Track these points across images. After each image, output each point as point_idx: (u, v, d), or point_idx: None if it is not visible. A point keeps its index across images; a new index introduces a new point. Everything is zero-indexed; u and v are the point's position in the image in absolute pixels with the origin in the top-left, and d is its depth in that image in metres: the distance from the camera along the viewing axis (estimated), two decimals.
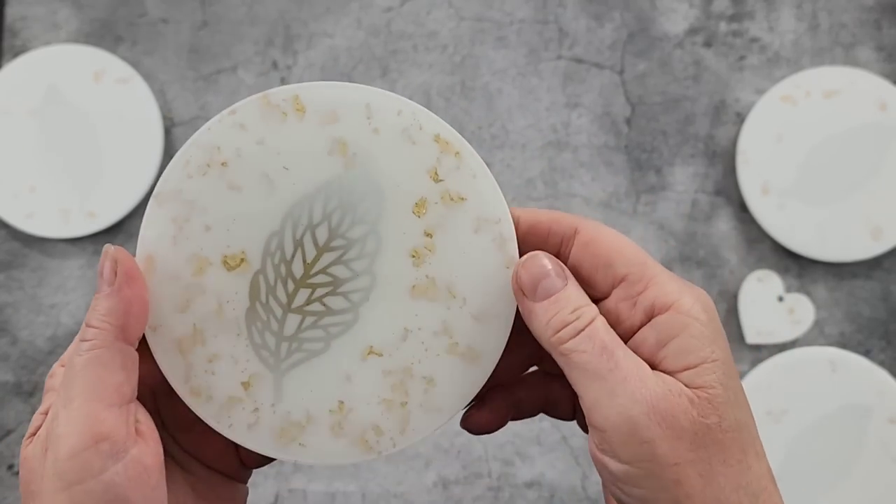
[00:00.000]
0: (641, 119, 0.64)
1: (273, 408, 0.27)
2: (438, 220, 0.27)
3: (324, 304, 0.27)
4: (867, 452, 0.57)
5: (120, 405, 0.24)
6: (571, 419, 0.32)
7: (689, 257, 0.62)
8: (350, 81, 0.64)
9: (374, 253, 0.27)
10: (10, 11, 0.66)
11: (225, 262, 0.27)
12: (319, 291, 0.27)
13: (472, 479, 0.60)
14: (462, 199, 0.27)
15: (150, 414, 0.28)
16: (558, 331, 0.25)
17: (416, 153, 0.27)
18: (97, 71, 0.63)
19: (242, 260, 0.27)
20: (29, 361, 0.63)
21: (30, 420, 0.62)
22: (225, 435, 0.27)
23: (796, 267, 0.62)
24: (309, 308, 0.27)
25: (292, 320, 0.27)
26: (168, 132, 0.64)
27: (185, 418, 0.28)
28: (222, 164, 0.27)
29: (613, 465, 0.24)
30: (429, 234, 0.27)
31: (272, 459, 0.29)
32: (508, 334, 0.28)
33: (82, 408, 0.23)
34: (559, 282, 0.26)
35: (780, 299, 0.61)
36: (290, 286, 0.27)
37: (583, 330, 0.25)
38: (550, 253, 0.27)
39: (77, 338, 0.25)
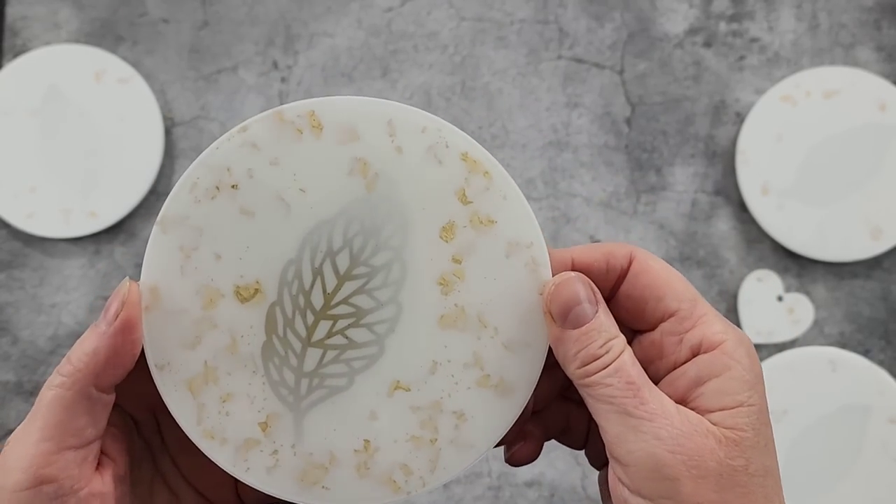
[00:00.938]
0: (641, 119, 0.64)
1: (294, 449, 0.26)
2: (467, 245, 0.26)
3: (346, 337, 0.26)
4: (867, 452, 0.57)
5: (77, 448, 0.23)
6: (582, 448, 0.31)
7: (688, 257, 0.62)
8: (352, 83, 0.65)
9: (399, 281, 0.25)
10: (11, 11, 0.66)
11: (238, 294, 0.25)
12: (341, 323, 0.26)
13: (472, 479, 0.60)
14: (492, 221, 0.26)
15: (149, 434, 0.27)
16: (586, 364, 0.24)
17: (442, 173, 0.25)
18: (98, 71, 0.63)
19: (257, 290, 0.25)
20: (30, 361, 0.63)
21: None
22: (241, 480, 0.26)
23: (796, 267, 0.62)
24: (330, 341, 0.26)
25: (313, 355, 0.25)
26: (168, 132, 0.64)
27: (187, 440, 0.26)
28: (233, 186, 0.25)
29: (634, 498, 0.23)
30: (457, 260, 0.26)
31: (272, 499, 0.28)
32: (542, 364, 0.26)
33: (35, 446, 0.23)
34: (591, 309, 0.25)
35: (780, 299, 0.61)
36: (310, 318, 0.25)
37: (611, 364, 0.24)
38: (605, 287, 0.26)
39: (57, 367, 0.24)
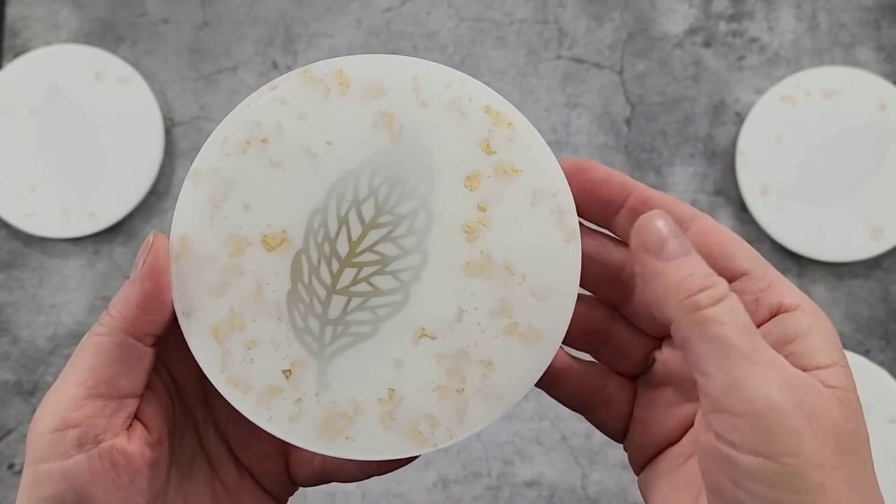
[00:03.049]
0: (641, 119, 0.64)
1: (317, 398, 0.25)
2: (492, 194, 0.25)
3: (371, 285, 0.26)
4: None
5: (108, 397, 0.24)
6: (620, 438, 0.29)
7: None
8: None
9: (424, 229, 0.25)
10: (11, 11, 0.66)
11: (265, 242, 0.25)
12: (366, 271, 0.26)
13: (471, 479, 0.60)
14: (517, 171, 0.26)
15: (194, 404, 0.27)
16: (694, 294, 0.21)
17: (466, 125, 0.26)
18: (98, 71, 0.63)
19: (283, 239, 0.25)
20: (29, 361, 0.63)
21: (29, 419, 0.62)
22: (264, 428, 0.25)
23: (796, 267, 0.62)
24: (355, 289, 0.26)
25: (337, 302, 0.25)
26: (168, 132, 0.64)
27: (239, 415, 0.26)
28: (262, 140, 0.26)
29: (744, 458, 0.20)
30: (482, 208, 0.25)
31: (322, 480, 0.27)
32: (571, 313, 0.26)
33: (66, 389, 0.23)
34: (687, 244, 0.22)
35: None
36: (335, 265, 0.25)
37: (723, 299, 0.21)
38: None
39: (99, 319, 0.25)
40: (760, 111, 0.62)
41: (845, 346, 0.61)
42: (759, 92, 0.63)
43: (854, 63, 0.64)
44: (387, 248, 0.26)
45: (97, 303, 0.63)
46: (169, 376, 0.27)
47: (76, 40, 0.65)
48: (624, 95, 0.64)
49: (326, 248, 0.25)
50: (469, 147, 0.26)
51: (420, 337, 0.26)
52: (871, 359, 0.61)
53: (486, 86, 0.26)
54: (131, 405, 0.24)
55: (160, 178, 0.63)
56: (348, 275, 0.26)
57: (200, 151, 0.26)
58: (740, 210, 0.63)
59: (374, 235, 0.26)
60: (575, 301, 0.26)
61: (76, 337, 0.63)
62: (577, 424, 0.61)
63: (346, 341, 0.26)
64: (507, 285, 0.26)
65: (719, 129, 0.63)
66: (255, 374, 0.25)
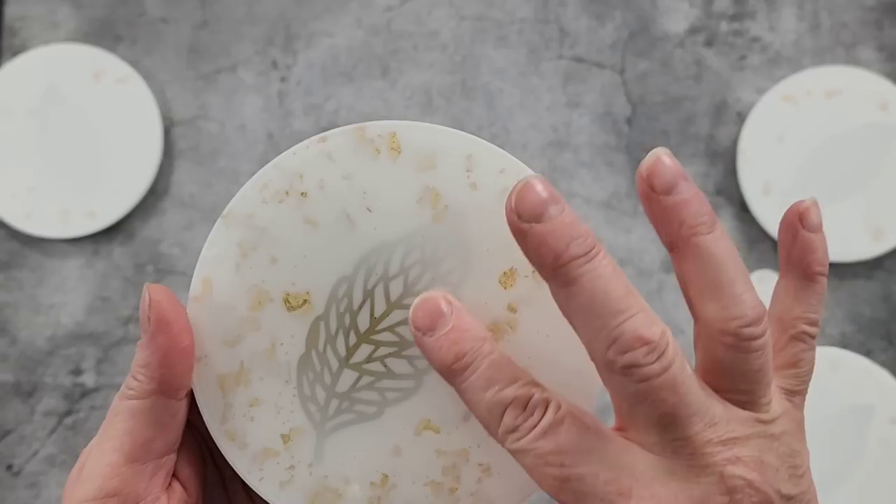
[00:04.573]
0: (642, 119, 0.64)
1: (310, 468, 0.25)
2: (526, 296, 0.24)
3: (385, 366, 0.25)
4: (868, 453, 0.57)
5: (145, 461, 0.23)
6: None
7: None
8: (351, 82, 0.64)
9: None
10: (9, 11, 0.66)
11: (286, 301, 0.25)
12: (383, 350, 0.25)
13: None
14: None
15: (223, 462, 0.27)
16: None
17: None
18: (96, 70, 0.63)
19: (305, 301, 0.25)
20: (28, 361, 0.63)
21: (29, 420, 0.62)
22: (253, 488, 0.25)
23: None
24: (368, 366, 0.25)
25: (348, 376, 0.25)
26: (168, 132, 0.64)
27: None
28: (302, 193, 0.25)
29: None
30: (513, 309, 0.24)
31: None
32: None
33: (103, 456, 0.23)
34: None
35: None
36: (353, 339, 0.25)
37: None
38: None
39: (124, 382, 0.24)
40: (762, 111, 0.61)
41: (847, 347, 0.61)
42: (761, 91, 0.63)
43: (855, 63, 0.63)
44: (407, 332, 0.25)
45: (96, 303, 0.63)
46: (200, 435, 0.27)
47: (75, 40, 0.65)
48: (625, 95, 0.64)
49: (347, 320, 0.25)
50: (512, 241, 0.24)
51: (424, 428, 0.25)
52: (873, 359, 0.60)
53: (503, 150, 0.25)
54: (168, 463, 0.24)
55: (159, 178, 0.63)
56: (364, 351, 0.25)
57: (238, 193, 0.25)
58: (741, 210, 0.62)
59: (397, 316, 0.25)
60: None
61: (75, 337, 0.63)
62: None
63: (349, 418, 0.25)
64: None
65: (721, 128, 0.63)
66: (253, 433, 0.25)
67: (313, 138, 0.25)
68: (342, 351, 0.25)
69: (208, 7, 0.65)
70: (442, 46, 0.64)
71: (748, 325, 0.21)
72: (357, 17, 0.65)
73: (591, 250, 0.21)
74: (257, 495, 0.27)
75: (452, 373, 0.22)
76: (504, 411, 0.22)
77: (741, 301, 0.21)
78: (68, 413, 0.62)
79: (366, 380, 0.25)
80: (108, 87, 0.63)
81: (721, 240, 0.22)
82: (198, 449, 0.26)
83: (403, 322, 0.25)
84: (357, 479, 0.25)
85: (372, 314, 0.25)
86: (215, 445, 0.27)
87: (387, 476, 0.25)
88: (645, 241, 0.62)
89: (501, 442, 0.22)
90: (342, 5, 0.65)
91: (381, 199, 0.25)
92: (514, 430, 0.22)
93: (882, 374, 0.58)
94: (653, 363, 0.20)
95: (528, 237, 0.21)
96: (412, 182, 0.24)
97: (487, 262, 0.24)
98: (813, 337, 0.24)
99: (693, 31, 0.64)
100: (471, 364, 0.22)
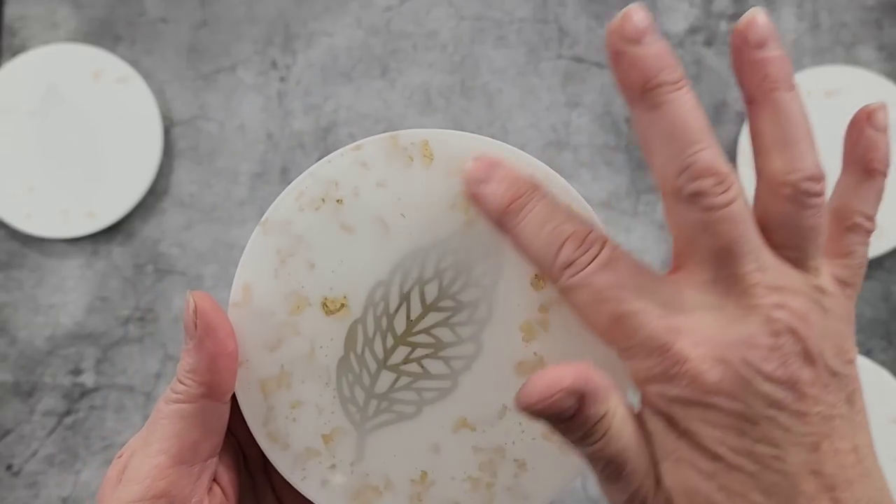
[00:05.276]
0: None
1: (352, 467, 0.26)
2: (557, 297, 0.25)
3: (422, 366, 0.26)
4: None
5: (192, 463, 0.24)
6: None
7: None
8: (351, 82, 0.64)
9: (483, 320, 0.25)
10: (9, 11, 0.66)
11: (324, 305, 0.25)
12: (419, 352, 0.26)
13: None
14: None
15: (255, 469, 0.27)
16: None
17: None
18: (96, 70, 0.63)
19: (343, 305, 0.25)
20: (28, 361, 0.63)
21: (28, 420, 0.62)
22: (296, 487, 0.26)
23: None
24: (406, 368, 0.26)
25: (386, 378, 0.26)
26: (167, 131, 0.64)
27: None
28: (338, 200, 0.25)
29: None
30: (544, 310, 0.25)
31: None
32: None
33: (152, 459, 0.23)
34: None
35: None
36: (390, 341, 0.26)
37: None
38: None
39: (170, 385, 0.24)
40: None
41: None
42: None
43: (855, 62, 0.63)
44: (443, 334, 0.26)
45: (95, 303, 0.63)
46: (235, 440, 0.27)
47: (74, 39, 0.65)
48: None
49: (384, 323, 0.26)
50: None
51: (461, 426, 0.26)
52: (873, 359, 0.60)
53: (569, 184, 0.26)
54: (212, 466, 0.25)
55: (159, 178, 0.63)
56: (401, 353, 0.26)
57: (276, 201, 0.26)
58: None
59: (432, 318, 0.26)
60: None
61: (75, 337, 0.63)
62: None
63: (389, 417, 0.26)
64: None
65: (721, 128, 0.63)
66: (295, 434, 0.26)
67: (347, 147, 0.25)
68: (380, 353, 0.26)
69: (208, 7, 0.65)
70: (441, 46, 0.64)
71: (808, 180, 0.23)
72: (356, 16, 0.65)
73: (679, 80, 0.21)
74: (286, 502, 0.28)
75: (508, 214, 0.23)
76: (562, 245, 0.22)
77: (805, 157, 0.23)
78: (68, 413, 0.62)
79: (403, 380, 0.26)
80: (108, 87, 0.63)
81: (796, 100, 0.23)
82: (234, 455, 0.27)
83: (439, 325, 0.26)
84: (397, 477, 0.26)
85: (408, 317, 0.26)
86: (248, 452, 0.27)
87: (426, 473, 0.26)
88: (645, 240, 0.62)
89: (556, 280, 0.22)
90: (342, 5, 0.65)
91: (415, 206, 0.25)
92: (571, 263, 0.22)
93: (882, 373, 0.58)
94: (719, 194, 0.21)
95: (624, 57, 0.21)
96: (445, 188, 0.25)
97: (519, 265, 0.25)
98: (869, 232, 0.24)
99: (693, 30, 0.64)
100: (527, 204, 0.23)
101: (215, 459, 0.25)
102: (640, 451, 0.22)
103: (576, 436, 0.21)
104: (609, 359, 0.24)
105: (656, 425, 0.22)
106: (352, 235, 0.25)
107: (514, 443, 0.26)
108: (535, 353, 0.25)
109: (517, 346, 0.25)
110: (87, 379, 0.62)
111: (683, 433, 0.21)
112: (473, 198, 0.24)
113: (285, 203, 0.26)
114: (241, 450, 0.27)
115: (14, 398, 0.62)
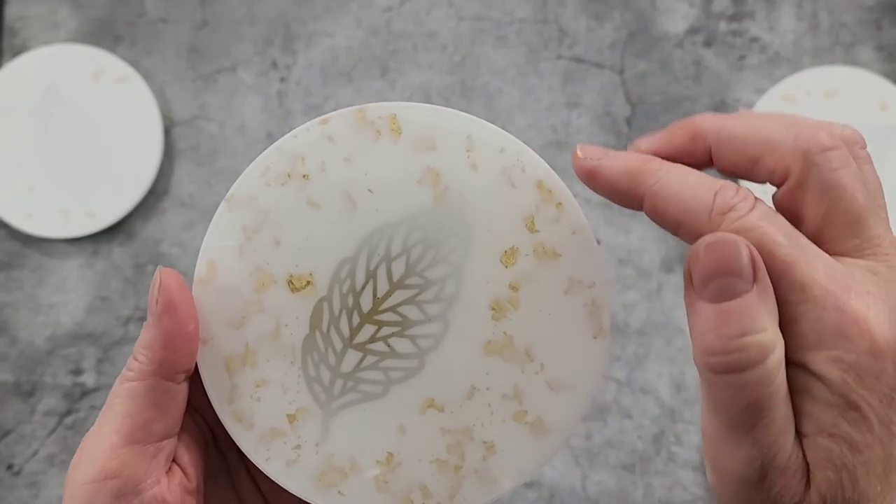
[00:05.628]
0: (642, 119, 0.64)
1: (317, 448, 0.25)
2: (527, 274, 0.25)
3: (388, 345, 0.25)
4: None
5: (145, 443, 0.23)
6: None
7: None
8: (351, 82, 0.65)
9: (451, 298, 0.25)
10: (10, 11, 0.66)
11: (290, 283, 0.25)
12: (386, 330, 0.25)
13: None
14: (557, 254, 0.25)
15: (227, 448, 0.27)
16: (715, 354, 0.20)
17: (514, 197, 0.25)
18: (96, 70, 0.63)
19: (309, 283, 0.25)
20: (28, 361, 0.63)
21: (28, 420, 0.62)
22: (260, 468, 0.25)
23: None
24: (372, 346, 0.25)
25: (352, 357, 0.25)
26: (168, 132, 0.64)
27: None
28: (304, 176, 0.25)
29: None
30: (514, 288, 0.25)
31: None
32: (584, 411, 0.25)
33: (105, 439, 0.23)
34: (742, 285, 0.20)
35: None
36: (356, 319, 0.25)
37: (750, 368, 0.20)
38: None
39: (126, 364, 0.24)
40: (761, 111, 0.62)
41: None
42: (760, 92, 0.63)
43: (855, 63, 0.63)
44: (410, 311, 0.25)
45: (96, 303, 0.63)
46: (203, 420, 0.27)
47: (75, 40, 0.65)
48: (624, 95, 0.64)
49: (350, 301, 0.25)
50: (513, 221, 0.25)
51: (428, 407, 0.25)
52: None
53: (541, 158, 0.25)
54: (169, 446, 0.24)
55: (159, 178, 0.63)
56: (367, 331, 0.25)
57: (240, 176, 0.25)
58: None
59: (399, 296, 0.25)
60: (590, 401, 0.25)
61: (75, 337, 0.63)
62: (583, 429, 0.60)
63: (354, 397, 0.25)
64: (523, 371, 0.25)
65: None
66: (259, 414, 0.25)
67: (314, 120, 0.25)
68: (346, 331, 0.25)
69: (208, 7, 0.65)
70: (441, 46, 0.65)
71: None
72: (356, 17, 0.65)
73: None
74: (262, 482, 0.27)
75: (645, 174, 0.22)
76: (717, 192, 0.21)
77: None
78: (68, 413, 0.62)
79: (370, 360, 0.25)
80: (108, 87, 0.63)
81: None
82: (200, 435, 0.26)
83: (406, 302, 0.25)
84: (363, 458, 0.25)
85: (375, 294, 0.25)
86: (218, 432, 0.27)
87: (392, 454, 0.25)
88: (645, 241, 0.62)
89: (716, 225, 0.20)
90: (342, 5, 0.65)
91: (383, 181, 0.25)
92: (732, 208, 0.20)
93: None
94: (843, 156, 0.22)
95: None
96: (413, 163, 0.25)
97: (489, 241, 0.25)
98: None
99: (692, 31, 0.64)
100: (662, 165, 0.22)
101: (174, 440, 0.24)
102: (786, 406, 0.20)
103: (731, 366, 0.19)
104: (582, 339, 0.24)
105: (821, 392, 0.19)
106: (318, 211, 0.25)
107: (482, 424, 0.25)
108: (504, 333, 0.25)
109: (486, 324, 0.25)
110: (88, 379, 0.62)
111: (851, 405, 0.19)
112: (592, 173, 0.23)
113: (251, 178, 0.25)
114: (210, 430, 0.27)
115: (14, 398, 0.62)
